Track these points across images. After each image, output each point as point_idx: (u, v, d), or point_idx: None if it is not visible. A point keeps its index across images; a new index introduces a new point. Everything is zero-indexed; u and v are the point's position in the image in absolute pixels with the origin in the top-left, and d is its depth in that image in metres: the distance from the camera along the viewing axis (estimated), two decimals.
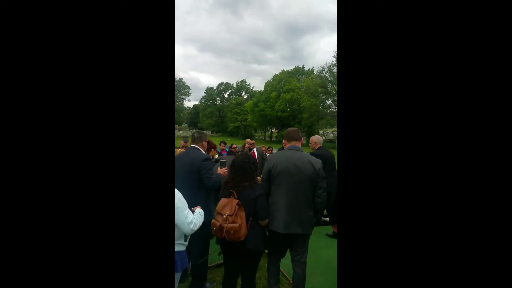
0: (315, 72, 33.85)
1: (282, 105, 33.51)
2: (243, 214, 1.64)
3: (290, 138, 1.98)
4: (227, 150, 5.86)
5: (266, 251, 1.95)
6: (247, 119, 40.58)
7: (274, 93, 35.02)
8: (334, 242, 3.12)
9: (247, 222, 1.67)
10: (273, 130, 40.83)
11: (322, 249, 3.00)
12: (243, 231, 1.62)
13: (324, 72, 30.54)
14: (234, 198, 1.67)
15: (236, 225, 1.58)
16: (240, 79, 61.10)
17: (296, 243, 1.87)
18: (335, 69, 29.69)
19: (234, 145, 6.57)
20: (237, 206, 1.62)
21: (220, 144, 5.92)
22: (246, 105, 41.29)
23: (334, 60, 29.62)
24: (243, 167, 1.77)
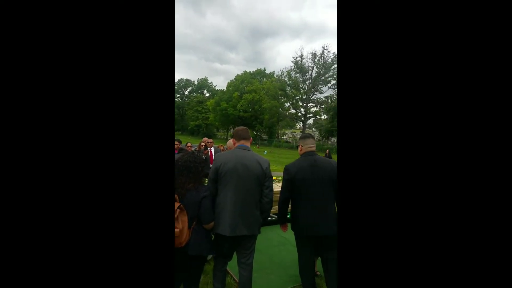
0: (275, 75, 34.69)
1: (245, 105, 33.63)
2: (185, 218, 1.54)
3: (239, 137, 1.95)
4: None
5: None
6: (208, 117, 39.82)
7: (236, 93, 34.98)
8: (286, 241, 3.20)
9: (190, 226, 1.58)
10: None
11: (274, 248, 3.05)
12: (184, 237, 1.52)
13: (283, 76, 31.49)
14: (176, 201, 1.56)
15: (177, 230, 1.48)
16: (201, 77, 59.68)
17: (243, 244, 1.84)
18: (293, 74, 30.91)
19: (189, 144, 6.31)
20: (178, 210, 1.52)
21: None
22: (208, 103, 40.47)
23: (293, 65, 30.81)
24: (188, 166, 1.67)
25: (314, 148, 2.06)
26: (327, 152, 7.85)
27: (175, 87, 50.10)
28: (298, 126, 35.58)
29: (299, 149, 2.09)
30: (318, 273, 2.41)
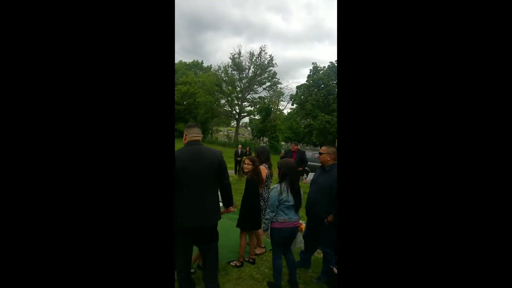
0: (212, 69, 34.16)
1: (178, 97, 31.94)
2: None
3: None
4: None
5: None
6: None
7: None
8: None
9: None
10: None
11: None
12: None
13: (220, 71, 31.26)
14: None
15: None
16: None
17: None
18: (230, 70, 31.02)
19: None
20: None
21: None
22: None
23: (230, 62, 30.91)
24: None
25: (199, 138, 2.07)
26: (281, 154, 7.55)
27: None
28: (233, 124, 35.86)
29: (184, 138, 2.09)
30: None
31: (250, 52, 31.42)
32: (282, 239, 2.38)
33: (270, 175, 3.18)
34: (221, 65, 32.18)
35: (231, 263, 2.83)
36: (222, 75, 31.14)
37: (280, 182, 2.48)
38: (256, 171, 2.87)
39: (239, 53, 31.07)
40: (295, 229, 2.42)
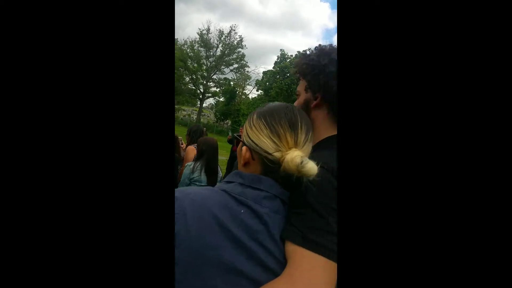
0: (178, 44, 32.06)
1: None
2: None
3: None
4: None
5: None
6: None
7: None
8: None
9: None
10: None
11: None
12: None
13: (185, 46, 29.49)
14: None
15: None
16: None
17: None
18: (196, 46, 29.46)
19: None
20: None
21: None
22: None
23: (198, 38, 29.29)
24: None
25: None
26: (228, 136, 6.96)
27: None
28: (198, 104, 34.56)
29: None
30: None
31: (220, 30, 30.08)
32: None
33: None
34: (187, 39, 30.33)
35: None
36: (188, 50, 29.41)
37: (195, 160, 2.27)
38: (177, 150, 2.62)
39: (208, 30, 29.56)
40: None
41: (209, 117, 38.61)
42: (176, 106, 34.24)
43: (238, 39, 29.04)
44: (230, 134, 10.45)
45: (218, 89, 30.25)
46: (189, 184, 2.14)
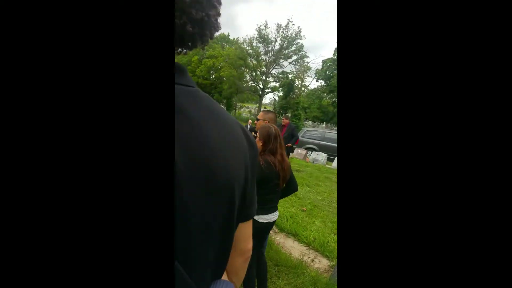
0: (238, 43, 33.23)
1: (204, 71, 32.02)
2: None
3: None
4: None
5: None
6: None
7: (196, 57, 32.99)
8: None
9: None
10: None
11: None
12: None
13: (245, 44, 30.27)
14: None
15: None
16: None
17: None
18: (254, 43, 29.89)
19: None
20: None
21: None
22: None
23: (256, 34, 29.67)
24: None
25: None
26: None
27: None
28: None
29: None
30: None
31: (277, 23, 29.82)
32: None
33: None
34: (246, 37, 31.14)
35: None
36: (247, 48, 30.20)
37: None
38: None
39: (266, 25, 29.66)
40: None
41: None
42: (238, 104, 35.83)
43: (297, 30, 28.24)
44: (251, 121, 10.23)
45: (277, 84, 30.18)
46: None
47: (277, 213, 1.89)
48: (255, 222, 1.77)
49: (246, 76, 31.04)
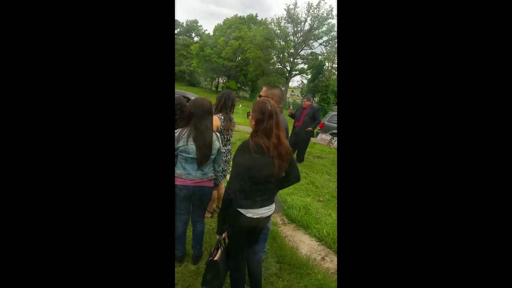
0: (266, 23, 31.88)
1: (230, 53, 31.45)
2: None
3: None
4: None
5: None
6: (192, 63, 37.52)
7: (222, 39, 32.41)
8: None
9: None
10: (220, 80, 38.91)
11: None
12: None
13: (272, 24, 28.93)
14: None
15: None
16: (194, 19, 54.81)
17: None
18: (283, 23, 28.43)
19: None
20: None
21: None
22: (191, 47, 37.68)
23: (285, 14, 28.18)
24: None
25: None
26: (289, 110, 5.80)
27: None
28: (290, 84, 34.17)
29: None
30: None
31: (308, 2, 27.95)
32: (179, 198, 1.88)
33: (226, 129, 2.54)
34: (273, 17, 29.77)
35: None
36: (275, 28, 28.89)
37: (184, 126, 1.90)
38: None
39: (295, 4, 27.98)
40: (197, 189, 1.87)
41: (298, 96, 37.65)
42: (264, 87, 34.96)
43: (328, 9, 26.25)
44: (291, 107, 9.56)
45: (306, 66, 28.76)
46: (176, 156, 1.81)
47: (272, 207, 1.54)
48: (243, 217, 1.44)
49: (273, 58, 29.95)
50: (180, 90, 8.90)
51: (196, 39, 46.04)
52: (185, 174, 1.82)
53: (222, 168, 2.17)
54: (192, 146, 1.78)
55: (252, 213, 1.46)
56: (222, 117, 2.51)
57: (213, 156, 1.88)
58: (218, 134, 2.00)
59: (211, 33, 37.93)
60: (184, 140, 1.78)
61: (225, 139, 2.61)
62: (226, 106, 2.55)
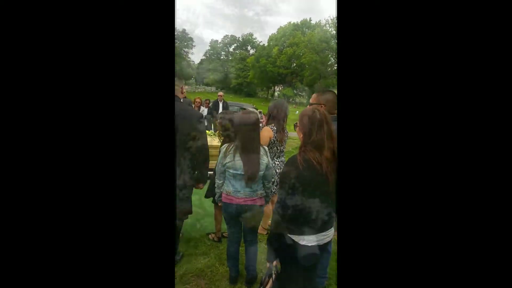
0: (320, 26, 30.90)
1: (284, 60, 31.56)
2: None
3: None
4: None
5: None
6: (249, 75, 39.02)
7: (276, 48, 32.85)
8: None
9: None
10: (276, 88, 39.29)
11: None
12: None
13: (327, 26, 27.83)
14: None
15: None
16: (249, 33, 57.46)
17: None
18: None
19: (198, 98, 6.31)
20: None
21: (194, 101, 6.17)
22: (248, 60, 39.26)
23: None
24: None
25: None
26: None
27: (220, 44, 49.65)
28: None
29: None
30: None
31: None
32: (229, 216, 1.79)
33: (279, 140, 2.39)
34: (328, 18, 28.70)
35: (210, 235, 2.49)
36: (331, 29, 27.76)
37: (232, 140, 1.81)
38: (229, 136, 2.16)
39: None
40: (247, 207, 1.73)
41: None
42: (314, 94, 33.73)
43: None
44: None
45: None
46: (223, 172, 1.73)
47: (331, 231, 1.30)
48: (296, 245, 1.24)
49: (330, 60, 28.73)
50: (237, 102, 9.18)
51: (252, 51, 48.04)
52: (233, 191, 1.72)
53: (273, 182, 2.01)
54: (239, 162, 1.68)
55: (307, 240, 1.24)
56: (275, 128, 2.36)
57: (261, 172, 1.73)
58: (266, 148, 1.85)
59: (266, 44, 38.99)
60: (231, 156, 1.70)
61: (278, 151, 2.44)
62: (278, 117, 2.39)
